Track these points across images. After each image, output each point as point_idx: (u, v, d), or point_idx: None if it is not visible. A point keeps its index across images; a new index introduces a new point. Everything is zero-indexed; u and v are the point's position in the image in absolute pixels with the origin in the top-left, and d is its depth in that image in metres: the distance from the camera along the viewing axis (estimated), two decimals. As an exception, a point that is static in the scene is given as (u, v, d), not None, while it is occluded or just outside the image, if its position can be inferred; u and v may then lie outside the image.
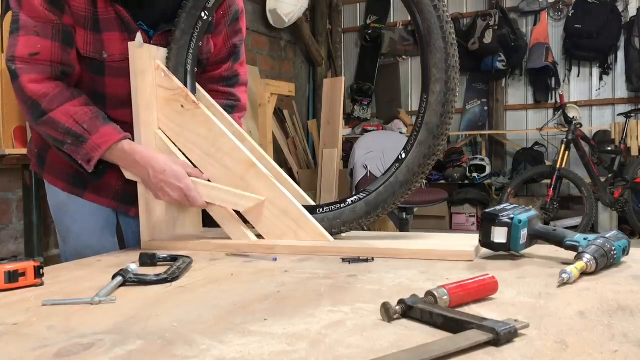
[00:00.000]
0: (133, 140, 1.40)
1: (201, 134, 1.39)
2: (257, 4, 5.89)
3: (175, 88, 1.41)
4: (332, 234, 1.34)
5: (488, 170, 6.32)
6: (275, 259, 1.23)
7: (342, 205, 1.36)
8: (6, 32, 3.01)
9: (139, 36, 1.38)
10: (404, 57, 7.05)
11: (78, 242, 1.51)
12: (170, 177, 1.34)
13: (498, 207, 1.18)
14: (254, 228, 1.39)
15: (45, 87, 1.33)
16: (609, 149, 5.62)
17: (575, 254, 1.03)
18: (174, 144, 1.42)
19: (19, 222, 3.16)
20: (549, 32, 6.33)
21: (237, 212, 1.39)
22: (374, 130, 6.40)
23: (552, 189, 5.11)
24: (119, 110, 1.45)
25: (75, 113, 1.34)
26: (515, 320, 0.70)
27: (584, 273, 0.97)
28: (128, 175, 1.41)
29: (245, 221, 1.39)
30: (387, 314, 0.77)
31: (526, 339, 0.68)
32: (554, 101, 6.29)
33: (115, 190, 1.52)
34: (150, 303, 0.91)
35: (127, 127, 1.42)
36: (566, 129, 5.25)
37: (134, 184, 1.48)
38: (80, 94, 1.39)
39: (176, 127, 1.41)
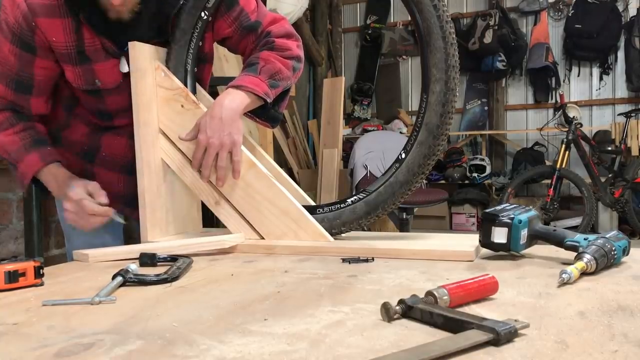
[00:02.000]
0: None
1: (201, 134, 1.39)
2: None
3: (175, 88, 1.41)
4: (332, 234, 1.34)
5: (488, 170, 6.32)
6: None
7: (342, 206, 1.36)
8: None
9: (123, 62, 1.40)
10: (404, 57, 7.06)
11: (81, 241, 1.53)
12: (70, 189, 1.38)
13: (498, 207, 1.18)
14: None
15: None
16: (609, 149, 5.63)
17: (576, 254, 1.03)
18: (174, 144, 1.42)
19: (19, 222, 3.15)
20: (549, 32, 6.33)
21: (237, 212, 1.39)
22: (374, 130, 6.40)
23: (552, 189, 5.11)
24: (125, 118, 1.47)
25: (6, 143, 1.43)
26: (515, 320, 0.70)
27: (584, 273, 0.97)
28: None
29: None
30: (387, 314, 0.77)
31: (526, 339, 0.68)
32: (554, 101, 6.29)
33: (119, 193, 1.54)
34: (150, 303, 0.91)
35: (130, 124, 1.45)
36: (566, 129, 5.24)
37: (134, 187, 1.49)
38: (19, 121, 1.44)
39: (176, 127, 1.41)
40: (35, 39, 1.35)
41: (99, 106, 1.47)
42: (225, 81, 1.42)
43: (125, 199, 1.55)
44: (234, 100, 1.36)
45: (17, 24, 1.33)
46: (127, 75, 1.42)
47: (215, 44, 1.58)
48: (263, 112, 1.47)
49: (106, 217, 1.38)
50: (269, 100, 1.42)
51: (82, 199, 1.35)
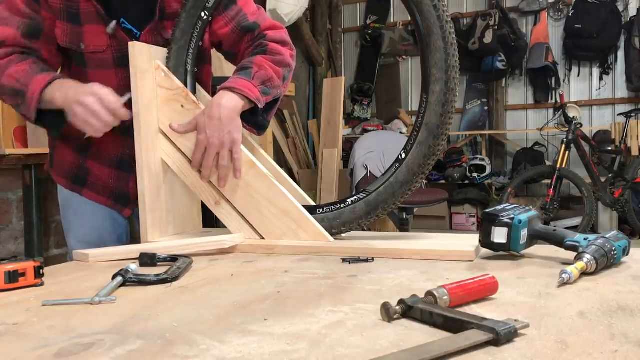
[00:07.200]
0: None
1: (201, 134, 1.39)
2: (257, 3, 5.88)
3: (175, 88, 1.41)
4: (332, 234, 1.34)
5: (488, 170, 6.32)
6: None
7: (342, 206, 1.36)
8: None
9: (112, 25, 1.41)
10: (404, 57, 7.06)
11: (78, 236, 1.55)
12: (90, 87, 1.34)
13: (498, 207, 1.18)
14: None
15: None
16: (609, 149, 5.63)
17: (576, 254, 1.03)
18: (174, 144, 1.42)
19: (19, 222, 3.15)
20: (549, 32, 6.34)
21: (237, 212, 1.39)
22: (374, 130, 6.40)
23: (552, 189, 5.12)
24: None
25: (17, 72, 1.37)
26: (515, 320, 0.70)
27: (584, 273, 0.97)
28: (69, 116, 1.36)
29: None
30: (387, 314, 0.77)
31: (526, 339, 0.68)
32: (554, 101, 6.29)
33: (110, 189, 1.55)
34: (150, 303, 0.91)
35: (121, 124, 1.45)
36: (566, 129, 5.25)
37: (128, 184, 1.50)
38: (30, 57, 1.41)
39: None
40: None
41: (82, 81, 1.45)
42: (225, 81, 1.42)
43: (117, 195, 1.55)
44: (231, 100, 1.36)
45: None
46: (110, 46, 1.43)
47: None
48: (251, 118, 1.48)
49: (117, 120, 1.35)
50: (260, 106, 1.42)
51: (107, 95, 1.33)
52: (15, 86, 1.37)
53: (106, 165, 1.54)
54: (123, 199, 1.55)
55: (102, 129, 1.35)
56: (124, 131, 1.43)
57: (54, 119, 1.41)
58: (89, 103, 1.32)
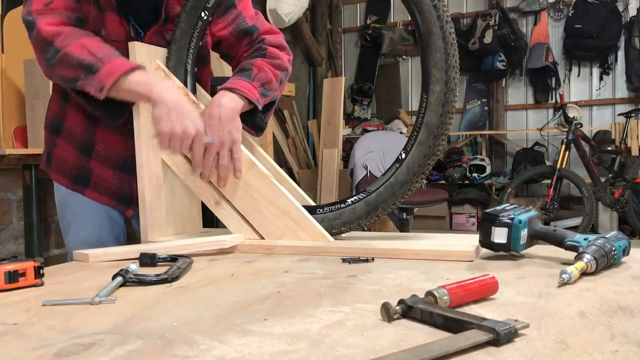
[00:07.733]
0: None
1: (201, 134, 1.39)
2: (257, 3, 5.89)
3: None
4: (332, 234, 1.34)
5: (488, 170, 6.32)
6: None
7: (342, 206, 1.36)
8: (6, 31, 3.02)
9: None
10: (404, 57, 7.06)
11: (77, 237, 1.54)
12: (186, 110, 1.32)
13: (498, 208, 1.18)
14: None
15: (60, 28, 1.33)
16: (609, 149, 5.63)
17: (576, 254, 1.03)
18: (174, 144, 1.42)
19: (19, 222, 3.16)
20: (549, 32, 6.34)
21: (237, 212, 1.39)
22: (374, 130, 6.40)
23: (552, 189, 5.12)
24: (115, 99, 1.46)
25: (91, 46, 1.32)
26: (515, 320, 0.70)
27: (584, 273, 0.97)
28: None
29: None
30: (387, 314, 0.77)
31: (526, 339, 0.68)
32: (554, 101, 6.29)
33: (114, 190, 1.54)
34: (150, 303, 0.91)
35: (124, 120, 1.45)
36: (566, 129, 5.25)
37: (131, 185, 1.49)
38: (96, 35, 1.38)
39: (176, 127, 1.41)
40: None
41: None
42: (225, 81, 1.42)
43: (120, 196, 1.55)
44: (232, 101, 1.37)
45: None
46: (128, 39, 1.41)
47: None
48: (249, 118, 1.48)
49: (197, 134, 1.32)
50: (259, 107, 1.44)
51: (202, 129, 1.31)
52: (87, 59, 1.30)
53: (110, 166, 1.54)
54: (126, 200, 1.55)
55: (174, 153, 1.35)
56: (128, 133, 1.43)
57: (115, 108, 1.37)
58: (187, 129, 1.30)
